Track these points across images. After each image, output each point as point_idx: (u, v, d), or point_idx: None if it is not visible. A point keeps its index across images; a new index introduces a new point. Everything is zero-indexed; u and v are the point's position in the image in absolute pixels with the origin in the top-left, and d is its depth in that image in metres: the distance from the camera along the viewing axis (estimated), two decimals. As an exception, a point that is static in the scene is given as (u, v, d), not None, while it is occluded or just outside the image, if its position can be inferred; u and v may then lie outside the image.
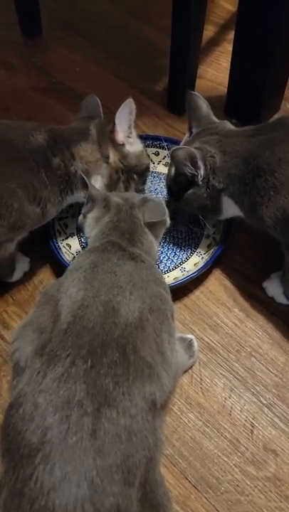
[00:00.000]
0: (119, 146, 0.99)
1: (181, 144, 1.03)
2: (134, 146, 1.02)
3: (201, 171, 0.93)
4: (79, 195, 0.97)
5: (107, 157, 0.97)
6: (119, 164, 0.99)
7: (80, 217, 0.91)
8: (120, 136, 0.98)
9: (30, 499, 0.56)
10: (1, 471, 0.61)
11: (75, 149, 0.93)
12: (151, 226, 0.86)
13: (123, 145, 0.99)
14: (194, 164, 0.93)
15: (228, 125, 0.99)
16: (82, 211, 0.91)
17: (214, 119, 1.02)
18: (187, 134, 1.04)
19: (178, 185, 0.99)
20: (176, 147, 0.95)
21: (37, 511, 0.56)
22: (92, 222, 0.88)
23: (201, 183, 0.94)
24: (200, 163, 0.92)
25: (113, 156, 0.98)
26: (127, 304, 0.70)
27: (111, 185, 1.00)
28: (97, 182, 0.97)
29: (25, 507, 0.56)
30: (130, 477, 0.59)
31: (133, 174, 1.03)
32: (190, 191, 0.96)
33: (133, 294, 0.71)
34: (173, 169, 0.99)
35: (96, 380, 0.62)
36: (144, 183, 1.10)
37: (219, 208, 0.97)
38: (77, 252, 1.05)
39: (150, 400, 0.64)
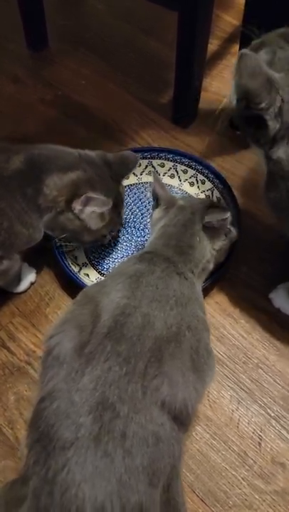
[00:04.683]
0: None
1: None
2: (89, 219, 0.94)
3: (277, 102, 0.70)
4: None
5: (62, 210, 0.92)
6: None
7: (152, 211, 0.94)
8: (77, 207, 0.91)
9: (62, 487, 0.59)
10: (29, 463, 0.63)
11: (44, 184, 0.89)
12: (212, 232, 0.86)
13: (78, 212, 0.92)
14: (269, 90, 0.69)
15: None
16: (152, 207, 0.95)
17: None
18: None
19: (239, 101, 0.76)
20: (244, 52, 0.69)
21: (68, 499, 0.58)
22: (154, 221, 0.91)
23: (268, 117, 0.72)
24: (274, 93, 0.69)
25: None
26: (164, 319, 0.72)
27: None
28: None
29: (56, 494, 0.59)
30: (154, 479, 0.62)
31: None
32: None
33: (173, 310, 0.73)
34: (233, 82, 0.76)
35: (128, 388, 0.65)
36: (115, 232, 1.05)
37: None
38: (84, 263, 1.06)
39: (173, 414, 0.67)
